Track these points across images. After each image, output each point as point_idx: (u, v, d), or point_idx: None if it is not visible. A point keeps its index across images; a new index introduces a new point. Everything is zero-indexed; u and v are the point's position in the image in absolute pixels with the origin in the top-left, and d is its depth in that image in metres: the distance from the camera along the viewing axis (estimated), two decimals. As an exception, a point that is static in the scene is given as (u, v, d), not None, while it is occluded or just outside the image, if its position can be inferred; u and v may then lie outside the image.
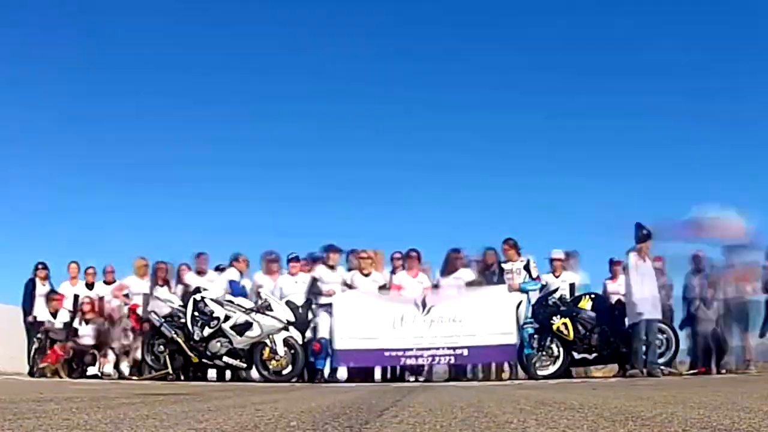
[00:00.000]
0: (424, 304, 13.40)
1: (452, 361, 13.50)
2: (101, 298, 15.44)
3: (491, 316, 13.30)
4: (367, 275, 14.19)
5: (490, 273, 14.21)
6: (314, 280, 14.07)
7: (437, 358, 13.38)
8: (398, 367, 14.00)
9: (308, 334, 13.65)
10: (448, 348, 13.17)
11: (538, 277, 13.97)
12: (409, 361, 13.41)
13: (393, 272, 14.47)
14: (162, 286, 14.55)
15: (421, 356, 13.28)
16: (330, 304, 13.63)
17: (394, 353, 13.28)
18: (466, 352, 13.22)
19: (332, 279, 14.05)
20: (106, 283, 15.70)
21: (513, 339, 13.21)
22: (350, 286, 14.11)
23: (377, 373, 14.24)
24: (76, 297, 15.31)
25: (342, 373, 13.93)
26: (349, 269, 14.54)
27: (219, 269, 14.87)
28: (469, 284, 14.12)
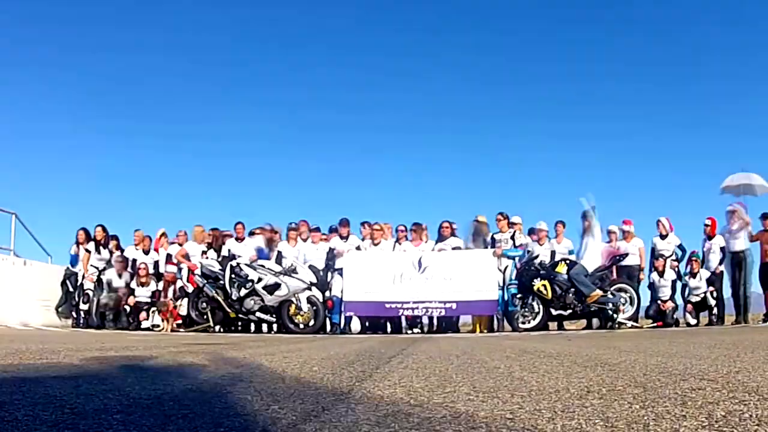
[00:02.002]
0: (420, 264, 13.59)
1: (442, 313, 13.70)
2: (156, 262, 15.50)
3: (477, 276, 13.49)
4: (376, 244, 14.44)
5: (482, 239, 14.43)
6: (331, 250, 14.33)
7: (430, 310, 13.63)
8: (403, 323, 14.15)
9: (327, 294, 13.87)
10: (440, 302, 13.41)
11: (521, 246, 14.11)
12: (406, 312, 13.66)
13: (398, 242, 14.62)
14: (216, 250, 14.68)
15: (417, 308, 13.52)
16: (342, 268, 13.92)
17: (393, 305, 13.51)
18: (454, 305, 13.45)
19: (344, 248, 14.33)
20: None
21: (494, 295, 13.42)
22: (359, 249, 14.45)
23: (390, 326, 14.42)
24: (134, 261, 15.36)
25: (355, 326, 14.08)
26: (363, 238, 14.77)
27: (252, 234, 15.01)
28: (456, 248, 14.37)
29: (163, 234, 16.03)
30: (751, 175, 16.06)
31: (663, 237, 14.74)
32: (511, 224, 14.65)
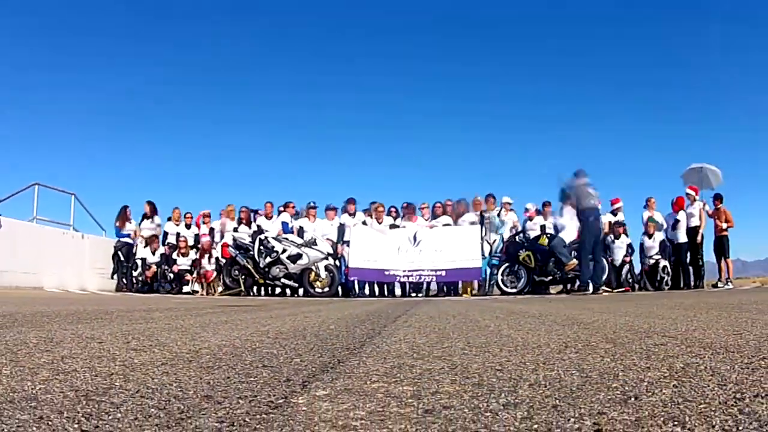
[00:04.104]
0: (415, 239, 13.91)
1: (433, 279, 14.04)
2: (196, 236, 15.60)
3: (462, 248, 13.79)
4: (380, 222, 14.74)
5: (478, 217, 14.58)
6: (341, 225, 14.49)
7: (423, 277, 13.89)
8: (407, 287, 14.30)
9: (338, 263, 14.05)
10: (431, 270, 13.75)
11: (503, 221, 14.40)
12: (402, 279, 13.99)
13: (402, 218, 14.83)
14: (247, 225, 14.81)
15: (412, 275, 13.86)
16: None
17: (392, 272, 13.85)
18: (444, 273, 13.81)
19: (352, 224, 14.55)
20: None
21: (478, 264, 13.71)
22: (364, 224, 14.70)
23: (397, 291, 14.58)
24: (177, 234, 15.46)
25: (367, 291, 14.28)
26: (372, 216, 14.94)
27: (279, 212, 15.14)
28: (446, 225, 14.63)
29: (207, 215, 16.13)
30: (705, 166, 15.94)
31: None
32: (503, 204, 14.91)
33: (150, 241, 15.13)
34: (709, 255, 14.94)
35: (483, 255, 13.88)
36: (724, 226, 14.59)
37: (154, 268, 14.91)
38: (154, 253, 15.06)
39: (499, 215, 14.53)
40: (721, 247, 14.64)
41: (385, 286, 14.45)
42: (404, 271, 13.77)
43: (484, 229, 14.17)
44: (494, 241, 14.18)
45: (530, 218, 14.70)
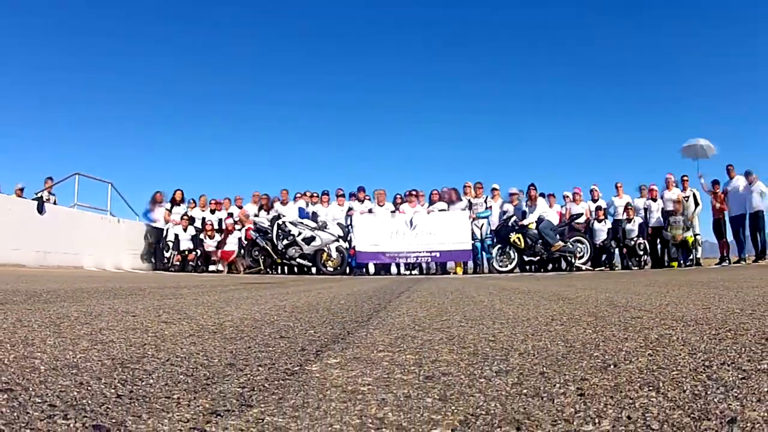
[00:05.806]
0: (411, 223, 14.06)
1: (428, 260, 14.17)
2: (220, 220, 15.64)
3: (454, 231, 13.96)
4: (382, 205, 15.01)
5: (461, 203, 14.77)
6: (349, 209, 14.66)
7: (419, 258, 14.08)
8: (400, 269, 14.46)
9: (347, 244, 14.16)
10: (427, 251, 13.97)
11: (489, 207, 14.55)
12: (400, 260, 14.16)
13: (401, 204, 14.96)
14: (266, 211, 14.89)
15: (409, 256, 14.05)
16: None
17: (391, 254, 14.07)
18: (438, 254, 14.03)
19: (360, 209, 14.73)
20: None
21: (468, 246, 13.94)
22: (371, 211, 14.87)
23: (393, 269, 14.63)
24: (203, 219, 15.52)
25: (370, 269, 14.40)
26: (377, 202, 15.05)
27: (295, 198, 15.20)
28: (442, 210, 14.66)
29: (229, 199, 16.21)
30: (699, 140, 15.69)
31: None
32: (492, 190, 14.96)
33: (183, 219, 15.27)
34: (708, 235, 14.96)
35: (474, 238, 14.05)
36: (718, 206, 14.48)
37: (186, 252, 14.96)
38: (185, 230, 15.15)
39: (485, 201, 14.70)
40: (719, 229, 14.52)
41: (387, 266, 14.58)
42: (402, 252, 13.93)
43: (471, 214, 14.32)
44: (482, 225, 14.33)
45: (512, 202, 14.65)
